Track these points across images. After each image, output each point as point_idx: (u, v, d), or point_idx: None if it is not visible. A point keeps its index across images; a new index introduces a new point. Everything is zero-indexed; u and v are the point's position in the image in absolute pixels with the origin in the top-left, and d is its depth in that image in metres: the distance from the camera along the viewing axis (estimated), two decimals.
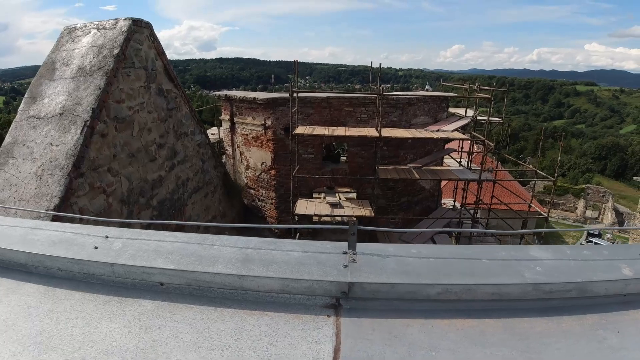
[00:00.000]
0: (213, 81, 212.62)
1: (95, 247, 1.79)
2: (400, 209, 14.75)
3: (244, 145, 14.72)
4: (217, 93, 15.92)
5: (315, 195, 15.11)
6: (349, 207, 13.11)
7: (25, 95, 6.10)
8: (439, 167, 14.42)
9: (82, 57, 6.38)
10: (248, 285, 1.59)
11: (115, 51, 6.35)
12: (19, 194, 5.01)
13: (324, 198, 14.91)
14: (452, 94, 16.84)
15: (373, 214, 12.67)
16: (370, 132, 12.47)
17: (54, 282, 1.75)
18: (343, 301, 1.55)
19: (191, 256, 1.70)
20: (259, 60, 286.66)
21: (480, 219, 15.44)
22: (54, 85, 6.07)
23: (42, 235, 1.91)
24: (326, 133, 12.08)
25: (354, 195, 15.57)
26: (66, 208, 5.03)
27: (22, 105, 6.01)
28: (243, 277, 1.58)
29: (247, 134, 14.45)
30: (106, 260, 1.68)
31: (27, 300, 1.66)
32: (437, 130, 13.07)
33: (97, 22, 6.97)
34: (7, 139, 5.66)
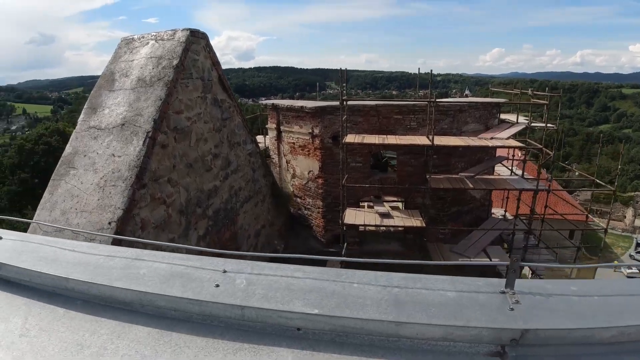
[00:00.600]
0: (251, 90, 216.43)
1: (217, 285, 1.58)
2: (450, 219, 14.29)
3: (291, 154, 14.65)
4: (264, 102, 15.95)
5: (361, 204, 14.86)
6: (399, 217, 12.78)
7: (85, 106, 6.15)
8: (492, 176, 13.90)
9: (141, 68, 6.39)
10: (405, 333, 1.37)
11: (175, 62, 6.33)
12: (81, 205, 5.01)
13: (371, 207, 14.63)
14: (503, 100, 16.27)
15: (424, 225, 12.29)
16: (422, 140, 12.13)
17: (167, 324, 1.55)
18: (509, 348, 1.32)
19: (332, 296, 1.48)
20: (296, 68, 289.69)
21: (534, 231, 14.76)
22: (113, 96, 6.09)
23: (147, 268, 1.73)
24: (376, 142, 11.83)
25: (399, 204, 15.22)
26: (129, 220, 4.99)
27: (82, 115, 6.06)
28: (401, 325, 1.35)
29: (293, 143, 14.38)
30: (235, 303, 1.47)
31: (139, 347, 1.46)
32: (491, 138, 12.59)
33: (154, 33, 6.99)
34: (68, 149, 5.70)
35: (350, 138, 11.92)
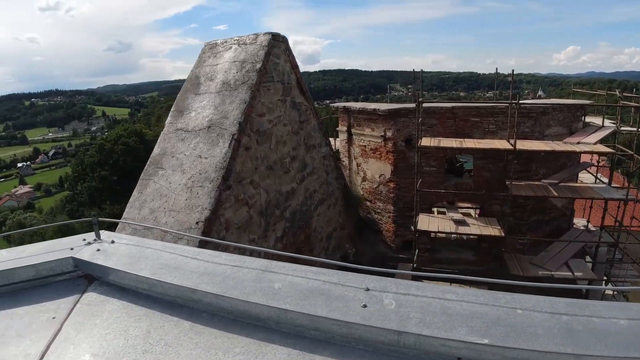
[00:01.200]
0: (317, 93, 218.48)
1: (364, 305, 1.46)
2: (529, 229, 13.53)
3: (362, 157, 14.50)
4: (335, 104, 15.91)
5: (433, 210, 14.44)
6: (475, 225, 12.26)
7: (172, 109, 6.34)
8: (577, 184, 13.01)
9: (225, 71, 6.50)
10: None
11: (258, 65, 6.39)
12: (169, 205, 5.14)
13: (442, 214, 14.18)
14: (588, 102, 15.24)
15: (503, 234, 11.70)
16: (502, 144, 11.59)
17: (307, 345, 1.45)
18: None
19: (498, 324, 1.33)
20: (360, 70, 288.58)
21: (621, 244, 13.67)
22: (199, 99, 6.24)
23: (281, 281, 1.63)
24: (453, 145, 11.43)
25: (471, 211, 14.65)
26: (215, 220, 5.05)
27: (169, 118, 6.24)
28: (580, 357, 1.20)
29: (365, 145, 14.22)
30: (391, 327, 1.34)
31: None
32: (578, 143, 11.79)
33: (237, 38, 7.11)
34: (156, 150, 5.89)
35: (426, 141, 11.59)
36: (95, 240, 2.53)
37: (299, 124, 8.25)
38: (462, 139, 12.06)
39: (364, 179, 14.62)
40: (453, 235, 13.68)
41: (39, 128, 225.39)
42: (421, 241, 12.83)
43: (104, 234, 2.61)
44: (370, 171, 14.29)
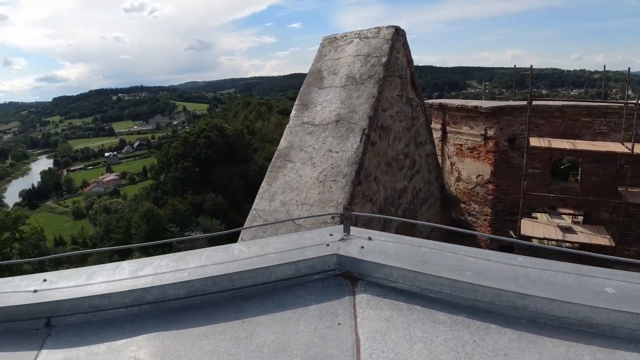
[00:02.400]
0: None
1: None
2: (637, 240, 12.47)
3: (457, 156, 14.01)
4: (429, 101, 15.49)
5: (534, 215, 13.67)
6: (583, 233, 11.44)
7: (296, 102, 6.34)
8: None
9: (349, 65, 6.42)
10: None
11: (384, 59, 6.24)
12: (302, 198, 5.11)
13: (543, 219, 13.37)
14: None
15: (614, 244, 10.83)
16: (618, 147, 10.72)
17: None
18: None
19: None
20: (435, 67, 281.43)
21: None
22: (324, 93, 6.19)
23: (613, 286, 1.48)
24: (565, 147, 10.71)
25: (568, 219, 13.72)
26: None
27: (293, 111, 6.25)
28: None
29: (461, 144, 13.73)
30: None
31: None
32: None
33: (357, 32, 7.01)
34: (283, 143, 5.90)
35: (534, 141, 10.95)
36: (347, 235, 2.46)
37: (411, 121, 8.03)
38: (573, 141, 11.29)
39: (459, 179, 14.13)
40: (552, 242, 12.89)
41: (125, 121, 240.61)
42: (521, 247, 12.18)
43: (353, 229, 2.54)
44: (466, 171, 13.78)
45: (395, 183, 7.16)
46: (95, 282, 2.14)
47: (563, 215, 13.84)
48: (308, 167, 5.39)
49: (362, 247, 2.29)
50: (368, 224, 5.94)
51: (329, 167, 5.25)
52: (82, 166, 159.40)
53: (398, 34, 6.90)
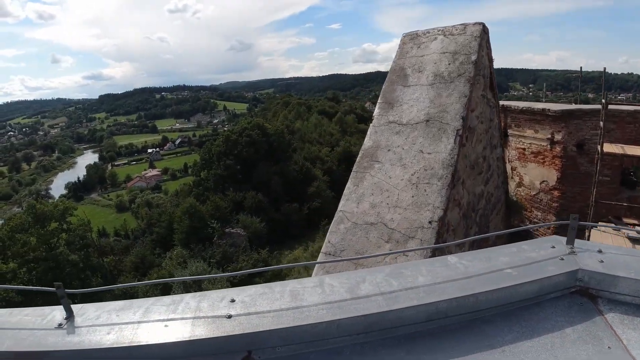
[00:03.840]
0: None
1: None
2: None
3: (518, 160, 13.49)
4: None
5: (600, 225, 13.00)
6: None
7: (380, 101, 6.12)
8: None
9: (435, 63, 6.16)
10: None
11: (473, 57, 5.95)
12: (393, 200, 4.89)
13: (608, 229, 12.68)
14: None
15: None
16: None
17: None
18: None
19: None
20: None
21: None
22: (410, 92, 5.95)
23: None
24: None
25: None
26: (442, 220, 4.71)
27: (377, 110, 6.04)
28: None
29: (524, 148, 13.19)
30: None
31: None
32: None
33: (441, 28, 6.75)
34: (368, 142, 5.70)
35: (608, 147, 10.37)
36: (572, 247, 2.20)
37: (489, 122, 7.69)
38: None
39: (520, 185, 13.60)
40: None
41: (168, 119, 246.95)
42: None
43: (578, 242, 2.27)
44: (529, 177, 13.23)
45: (475, 187, 6.85)
46: (306, 305, 1.81)
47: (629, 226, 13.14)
48: (398, 168, 5.16)
49: (602, 262, 2.03)
50: (456, 230, 5.68)
51: (422, 169, 5.00)
52: (126, 161, 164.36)
53: (484, 31, 6.59)
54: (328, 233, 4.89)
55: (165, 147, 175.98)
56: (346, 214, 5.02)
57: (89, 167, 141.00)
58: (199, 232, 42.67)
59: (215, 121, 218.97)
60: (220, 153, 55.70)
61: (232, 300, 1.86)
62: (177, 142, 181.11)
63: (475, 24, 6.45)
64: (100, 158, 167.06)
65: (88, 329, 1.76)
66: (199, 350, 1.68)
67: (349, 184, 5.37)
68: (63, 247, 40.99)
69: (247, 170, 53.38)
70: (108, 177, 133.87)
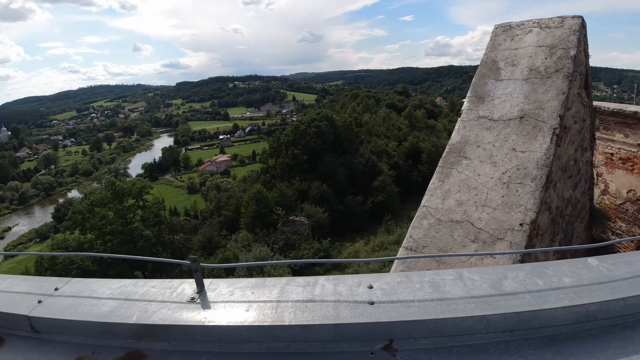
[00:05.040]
0: None
1: None
2: None
3: (605, 166, 12.59)
4: None
5: None
6: None
7: (469, 94, 5.90)
8: None
9: (530, 57, 5.84)
10: None
11: (572, 52, 5.60)
12: (481, 199, 4.69)
13: None
14: None
15: None
16: None
17: None
18: None
19: None
20: None
21: None
22: (502, 86, 5.69)
23: None
24: None
25: None
26: (534, 223, 4.47)
27: (466, 104, 5.83)
28: None
29: (612, 154, 12.29)
30: None
31: None
32: None
33: (536, 20, 6.39)
34: (455, 137, 5.52)
35: None
36: None
37: (581, 123, 7.20)
38: None
39: (604, 192, 12.71)
40: None
41: (239, 107, 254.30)
42: None
43: None
44: (615, 184, 12.33)
45: (564, 191, 6.45)
46: (450, 297, 1.74)
47: None
48: (487, 165, 4.95)
49: None
50: (543, 235, 5.38)
51: (514, 168, 4.76)
52: (199, 146, 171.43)
53: (582, 25, 6.17)
54: (410, 228, 4.79)
55: (235, 134, 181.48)
56: (430, 209, 4.89)
57: (164, 150, 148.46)
58: (264, 217, 43.66)
59: (284, 111, 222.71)
60: (289, 142, 56.52)
61: (370, 287, 1.81)
62: (247, 130, 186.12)
63: (573, 17, 6.07)
64: (175, 142, 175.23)
65: (224, 305, 1.78)
66: (344, 334, 1.66)
67: (433, 179, 5.23)
68: (138, 223, 43.50)
69: (314, 161, 53.82)
70: (181, 160, 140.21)
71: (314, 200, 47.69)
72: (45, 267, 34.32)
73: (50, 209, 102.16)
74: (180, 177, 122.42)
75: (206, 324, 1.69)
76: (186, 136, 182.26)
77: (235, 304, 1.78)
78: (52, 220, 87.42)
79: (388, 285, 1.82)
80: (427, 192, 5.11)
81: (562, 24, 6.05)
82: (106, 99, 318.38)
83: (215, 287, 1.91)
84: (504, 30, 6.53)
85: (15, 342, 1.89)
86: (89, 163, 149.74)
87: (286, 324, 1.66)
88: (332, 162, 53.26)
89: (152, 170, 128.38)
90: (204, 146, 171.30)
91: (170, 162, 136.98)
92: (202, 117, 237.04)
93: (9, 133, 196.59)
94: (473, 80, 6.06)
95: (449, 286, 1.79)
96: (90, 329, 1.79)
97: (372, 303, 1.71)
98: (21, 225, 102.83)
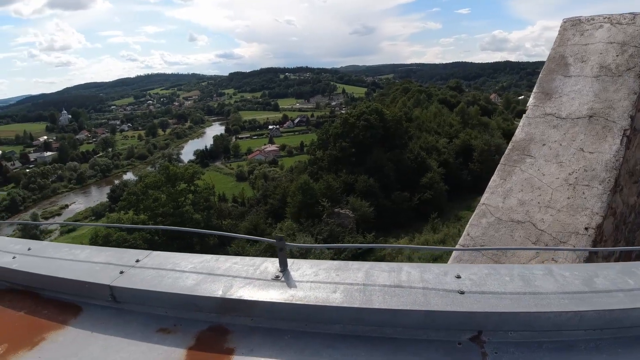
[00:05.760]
0: None
1: None
2: None
3: None
4: None
5: None
6: None
7: (535, 90, 5.70)
8: None
9: (600, 53, 5.57)
10: None
11: None
12: (545, 200, 4.54)
13: None
14: None
15: None
16: None
17: None
18: None
19: None
20: None
21: None
22: (571, 83, 5.47)
23: None
24: None
25: None
26: (600, 228, 4.29)
27: (532, 100, 5.63)
28: None
29: None
30: None
31: None
32: None
33: (607, 16, 6.09)
34: (520, 134, 5.35)
35: None
36: None
37: None
38: None
39: None
40: None
41: (289, 98, 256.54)
42: None
43: None
44: None
45: (629, 197, 6.13)
46: (543, 292, 1.68)
47: None
48: (553, 165, 4.78)
49: None
50: (605, 242, 5.16)
51: (581, 169, 4.58)
52: (248, 135, 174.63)
53: None
54: (468, 225, 4.70)
55: (284, 125, 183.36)
56: (490, 207, 4.78)
57: (215, 138, 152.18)
58: (309, 208, 44.05)
59: (334, 103, 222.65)
60: (337, 135, 56.59)
61: (458, 277, 1.80)
62: (296, 121, 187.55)
63: None
64: (226, 130, 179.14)
65: (310, 285, 1.81)
66: (434, 322, 1.66)
67: (494, 177, 5.10)
68: (189, 206, 45.05)
69: (362, 154, 53.63)
70: (231, 148, 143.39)
71: (360, 193, 47.61)
72: (99, 245, 36.03)
73: (106, 189, 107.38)
74: (230, 165, 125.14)
75: (293, 302, 1.72)
76: (237, 125, 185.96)
77: (322, 284, 1.80)
78: (108, 200, 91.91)
79: (476, 276, 1.80)
80: (487, 189, 4.99)
81: (634, 21, 5.73)
82: (162, 87, 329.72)
83: (298, 267, 1.95)
84: (572, 25, 6.26)
85: (93, 311, 1.99)
86: (144, 147, 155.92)
87: (375, 307, 1.66)
88: (380, 156, 52.91)
89: (203, 157, 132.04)
90: (254, 135, 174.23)
91: (220, 150, 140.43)
92: (252, 107, 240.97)
93: (70, 116, 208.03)
94: (540, 75, 5.84)
95: (540, 280, 1.75)
96: (174, 301, 1.86)
97: (462, 292, 1.69)
98: (78, 204, 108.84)
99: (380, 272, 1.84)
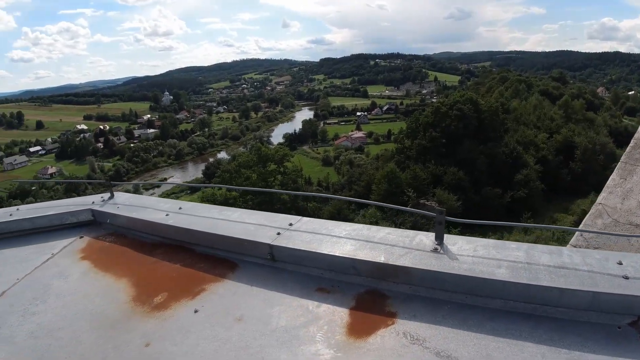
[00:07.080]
0: None
1: None
2: None
3: None
4: None
5: None
6: None
7: None
8: None
9: None
10: None
11: None
12: None
13: None
14: None
15: None
16: None
17: None
18: None
19: None
20: None
21: None
22: None
23: None
24: None
25: None
26: None
27: None
28: None
29: None
30: None
31: None
32: None
33: None
34: None
35: None
36: None
37: None
38: None
39: None
40: None
41: (378, 85, 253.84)
42: None
43: None
44: None
45: None
46: None
47: None
48: None
49: None
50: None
51: None
52: (336, 121, 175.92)
53: None
54: (581, 225, 4.51)
55: (372, 112, 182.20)
56: (607, 208, 4.53)
57: (304, 122, 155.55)
58: (394, 197, 43.61)
59: (424, 91, 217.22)
60: (427, 124, 55.28)
61: (620, 263, 1.80)
62: (385, 108, 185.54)
63: None
64: (314, 115, 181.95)
65: (472, 259, 1.88)
66: (600, 304, 1.67)
67: (614, 176, 4.82)
68: (278, 187, 46.49)
69: (452, 145, 51.96)
70: (319, 133, 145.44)
71: (448, 186, 46.26)
72: None
73: (202, 166, 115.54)
74: (317, 150, 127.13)
75: (458, 273, 1.79)
76: (325, 110, 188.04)
77: (483, 259, 1.85)
78: (202, 176, 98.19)
79: (638, 263, 1.79)
80: (604, 189, 4.72)
81: None
82: (256, 72, 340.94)
83: (455, 242, 2.02)
84: None
85: (250, 268, 2.20)
86: (238, 129, 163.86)
87: (543, 284, 1.69)
88: (472, 148, 50.96)
89: (292, 140, 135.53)
90: (341, 121, 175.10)
91: (308, 134, 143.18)
92: (341, 93, 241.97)
93: (171, 97, 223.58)
94: None
95: None
96: (333, 264, 2.01)
97: (626, 278, 1.70)
98: (175, 178, 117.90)
99: (540, 253, 1.86)
